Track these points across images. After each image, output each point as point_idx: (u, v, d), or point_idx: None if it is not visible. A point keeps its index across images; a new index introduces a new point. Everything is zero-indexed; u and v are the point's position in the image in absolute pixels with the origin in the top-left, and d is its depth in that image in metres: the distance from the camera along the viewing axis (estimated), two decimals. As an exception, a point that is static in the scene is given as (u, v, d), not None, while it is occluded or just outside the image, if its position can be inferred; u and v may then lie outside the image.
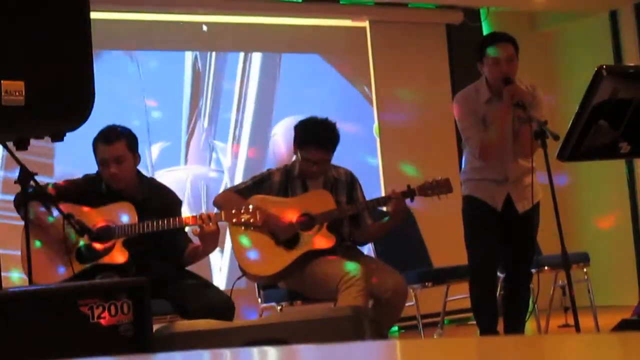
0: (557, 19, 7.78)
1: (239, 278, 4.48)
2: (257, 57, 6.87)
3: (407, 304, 4.49)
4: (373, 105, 7.21)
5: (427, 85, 7.40)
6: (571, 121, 3.64)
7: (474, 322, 6.94)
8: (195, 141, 6.58)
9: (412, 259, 5.50)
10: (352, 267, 4.19)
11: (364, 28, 7.28)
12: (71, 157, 5.79)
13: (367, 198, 4.63)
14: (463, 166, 4.67)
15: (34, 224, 3.94)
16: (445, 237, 6.78)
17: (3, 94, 2.50)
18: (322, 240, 4.40)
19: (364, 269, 4.22)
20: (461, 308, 6.94)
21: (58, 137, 2.79)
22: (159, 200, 4.25)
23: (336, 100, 7.01)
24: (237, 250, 4.45)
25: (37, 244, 3.98)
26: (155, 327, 3.13)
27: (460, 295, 6.31)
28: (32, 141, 2.82)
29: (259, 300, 4.73)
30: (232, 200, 4.42)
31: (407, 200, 4.45)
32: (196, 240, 4.23)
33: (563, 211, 4.00)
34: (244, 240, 4.38)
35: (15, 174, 3.57)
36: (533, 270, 4.67)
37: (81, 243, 4.04)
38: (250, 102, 6.80)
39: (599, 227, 7.48)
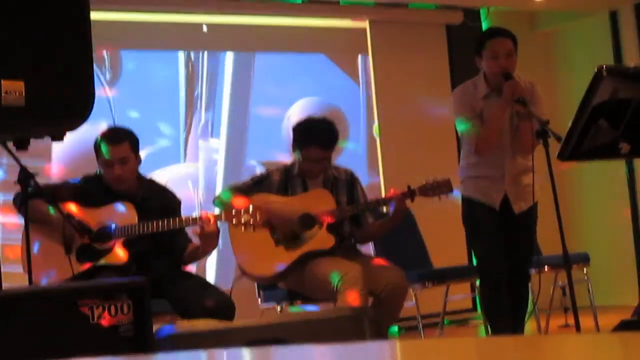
0: (557, 18, 7.78)
1: (239, 277, 4.48)
2: (256, 57, 6.87)
3: (407, 304, 4.49)
4: (373, 105, 7.21)
5: (427, 85, 7.40)
6: (571, 121, 3.64)
7: (474, 323, 6.94)
8: (193, 139, 6.58)
9: (412, 259, 5.50)
10: (335, 278, 4.17)
11: (364, 28, 7.28)
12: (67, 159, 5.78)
13: (367, 197, 4.63)
14: (460, 162, 4.63)
15: (35, 222, 3.94)
16: (445, 237, 6.78)
17: (3, 94, 2.50)
18: (321, 241, 4.40)
19: (364, 269, 4.23)
20: (461, 308, 6.95)
21: (58, 137, 2.79)
22: (158, 201, 4.25)
23: (336, 100, 7.01)
24: (237, 250, 4.45)
25: (36, 251, 3.97)
26: (155, 327, 3.12)
27: (460, 295, 6.32)
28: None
29: (259, 300, 4.73)
30: (233, 199, 4.42)
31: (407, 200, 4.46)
32: (196, 240, 4.24)
33: (563, 211, 3.99)
34: (244, 240, 4.38)
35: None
36: (533, 271, 4.66)
37: (86, 242, 4.05)
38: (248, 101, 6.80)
39: (599, 227, 7.48)
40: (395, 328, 6.44)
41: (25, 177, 3.51)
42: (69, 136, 2.78)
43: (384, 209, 4.79)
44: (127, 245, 4.07)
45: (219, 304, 3.99)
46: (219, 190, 6.05)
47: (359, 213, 4.53)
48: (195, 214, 4.24)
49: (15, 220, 4.58)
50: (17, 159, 3.32)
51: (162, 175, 6.08)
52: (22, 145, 2.82)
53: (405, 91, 7.31)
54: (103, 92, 6.17)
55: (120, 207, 4.14)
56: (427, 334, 5.70)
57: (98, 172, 4.28)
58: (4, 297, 2.73)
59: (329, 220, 4.42)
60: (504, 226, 4.42)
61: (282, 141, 6.49)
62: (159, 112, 6.48)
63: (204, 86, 6.66)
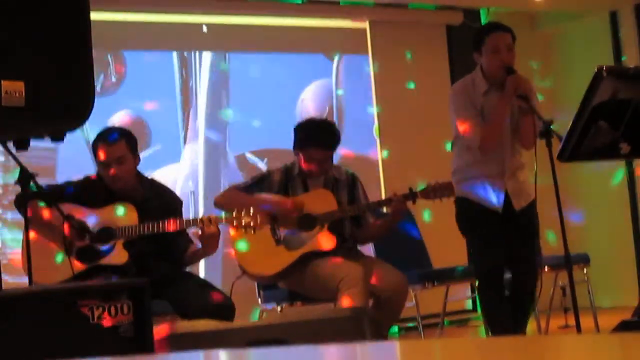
0: (557, 19, 7.78)
1: (238, 277, 4.48)
2: (257, 56, 6.87)
3: (407, 305, 4.48)
4: (373, 106, 7.21)
5: (428, 85, 7.40)
6: (571, 122, 3.64)
7: (474, 323, 6.94)
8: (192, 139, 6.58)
9: (412, 259, 5.50)
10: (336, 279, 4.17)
11: (364, 29, 7.28)
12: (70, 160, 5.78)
13: (367, 198, 4.63)
14: (453, 165, 4.50)
15: (35, 222, 3.94)
16: (445, 238, 6.78)
17: (3, 94, 2.50)
18: (322, 241, 4.40)
19: (364, 269, 4.23)
20: (461, 309, 6.95)
21: (58, 137, 2.79)
22: (159, 201, 4.25)
23: (336, 102, 7.01)
24: (237, 249, 4.45)
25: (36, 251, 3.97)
26: (155, 328, 3.12)
27: (460, 295, 6.32)
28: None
29: (259, 300, 4.73)
30: (234, 197, 4.42)
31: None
32: (196, 241, 4.24)
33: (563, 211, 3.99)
34: (245, 240, 4.38)
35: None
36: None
37: (86, 243, 4.05)
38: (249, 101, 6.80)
39: (599, 227, 7.48)
40: (395, 328, 6.44)
41: (25, 177, 3.51)
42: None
43: (385, 210, 4.79)
44: (127, 246, 4.07)
45: (219, 304, 3.99)
46: (219, 190, 6.04)
47: (359, 213, 4.53)
48: (196, 214, 4.24)
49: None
50: (17, 159, 3.32)
51: (164, 175, 6.08)
52: (22, 145, 2.82)
53: (406, 92, 7.31)
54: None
55: (120, 208, 4.14)
56: (427, 335, 5.70)
57: (98, 173, 4.29)
58: (4, 297, 2.73)
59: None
60: (505, 225, 4.36)
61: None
62: (159, 111, 6.47)
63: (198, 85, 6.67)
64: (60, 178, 5.39)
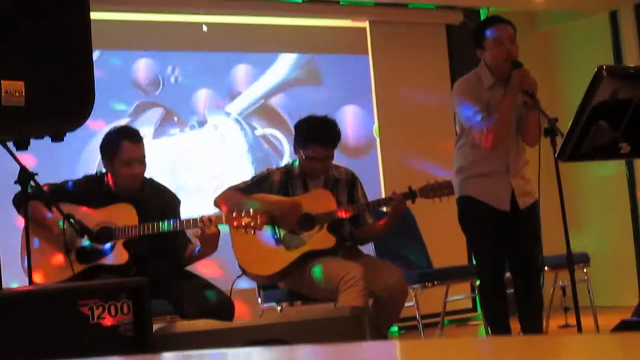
0: (557, 18, 7.78)
1: (238, 277, 4.48)
2: (258, 56, 6.88)
3: (407, 304, 4.48)
4: (373, 106, 7.21)
5: (427, 85, 7.40)
6: (571, 121, 3.64)
7: (474, 323, 6.94)
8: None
9: (412, 259, 5.50)
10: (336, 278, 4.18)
11: (364, 28, 7.28)
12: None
13: (367, 197, 4.63)
14: (457, 164, 4.46)
15: (35, 222, 3.94)
16: (445, 237, 6.78)
17: (3, 94, 2.50)
18: (322, 241, 4.40)
19: (364, 269, 4.23)
20: (461, 308, 6.95)
21: (58, 137, 2.79)
22: (158, 201, 4.26)
23: (336, 100, 7.01)
24: (237, 249, 4.45)
25: (36, 251, 3.97)
26: (155, 327, 3.13)
27: (460, 295, 6.32)
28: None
29: (259, 300, 4.73)
30: (234, 197, 4.42)
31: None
32: (195, 242, 4.24)
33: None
34: (245, 240, 4.37)
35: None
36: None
37: (86, 242, 4.05)
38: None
39: (599, 227, 7.48)
40: (395, 328, 6.44)
41: (25, 177, 3.50)
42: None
43: (385, 209, 4.79)
44: (127, 246, 4.07)
45: (218, 304, 3.99)
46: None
47: (359, 213, 4.53)
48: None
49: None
50: (17, 159, 3.32)
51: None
52: (22, 145, 2.82)
53: (405, 91, 7.31)
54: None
55: (120, 208, 4.14)
56: (427, 334, 5.70)
57: (98, 172, 4.28)
58: (4, 297, 2.73)
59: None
60: (510, 224, 4.33)
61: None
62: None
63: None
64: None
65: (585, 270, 5.54)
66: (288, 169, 4.58)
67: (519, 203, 4.34)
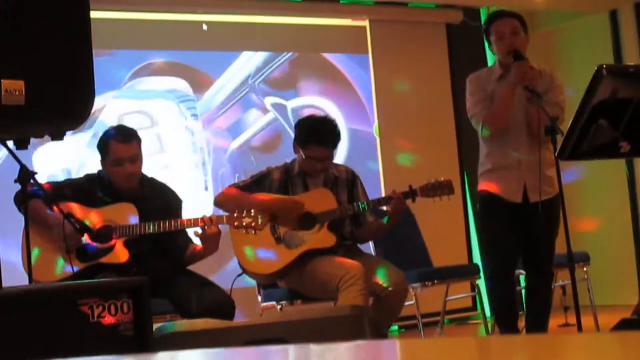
0: (557, 18, 7.78)
1: (238, 275, 4.48)
2: (260, 55, 6.88)
3: (407, 303, 4.48)
4: (373, 105, 7.21)
5: (427, 84, 7.40)
6: (571, 120, 3.64)
7: (474, 322, 6.93)
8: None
9: (412, 258, 5.50)
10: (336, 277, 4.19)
11: (363, 27, 7.28)
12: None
13: (367, 196, 4.63)
14: (480, 159, 4.51)
15: (36, 221, 3.94)
16: (445, 237, 6.78)
17: (3, 93, 2.50)
18: (322, 239, 4.40)
19: (364, 268, 4.23)
20: (461, 307, 6.95)
21: (58, 136, 2.79)
22: (159, 200, 4.26)
23: (336, 100, 7.01)
24: (237, 248, 4.45)
25: (36, 250, 3.96)
26: (155, 326, 3.13)
27: (460, 294, 6.32)
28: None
29: (259, 299, 4.73)
30: (234, 196, 4.42)
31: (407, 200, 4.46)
32: (196, 241, 4.24)
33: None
34: (245, 238, 4.37)
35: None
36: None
37: (86, 241, 4.05)
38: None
39: (599, 226, 7.48)
40: (395, 327, 6.44)
41: (25, 176, 3.51)
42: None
43: (385, 208, 4.79)
44: (127, 245, 4.07)
45: (219, 303, 3.99)
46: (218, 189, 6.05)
47: (359, 212, 4.53)
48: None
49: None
50: (17, 158, 3.32)
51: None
52: (22, 144, 2.82)
53: (405, 90, 7.31)
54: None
55: (121, 207, 4.14)
56: (427, 333, 5.70)
57: (99, 172, 4.29)
58: (4, 296, 2.73)
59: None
60: (522, 219, 4.32)
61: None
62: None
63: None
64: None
65: (585, 269, 5.55)
66: (288, 167, 4.58)
67: (530, 198, 4.32)
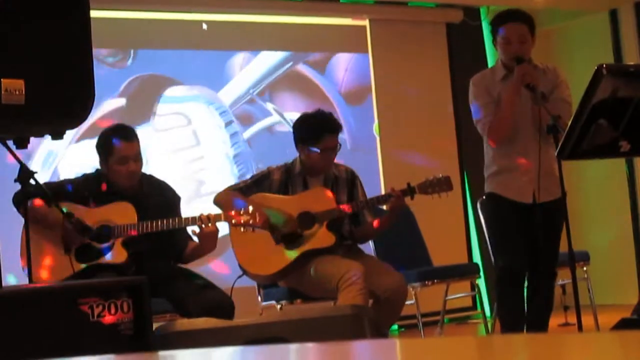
0: (557, 17, 7.78)
1: (239, 277, 4.48)
2: (262, 55, 6.88)
3: (407, 303, 4.48)
4: (373, 104, 7.21)
5: (427, 83, 7.40)
6: (571, 120, 3.64)
7: (474, 321, 6.93)
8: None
9: (412, 257, 5.50)
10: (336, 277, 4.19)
11: (364, 27, 7.28)
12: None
13: (367, 196, 4.63)
14: (485, 161, 4.45)
15: (35, 220, 3.94)
16: (445, 236, 6.78)
17: (3, 92, 2.50)
18: (322, 239, 4.39)
19: (364, 267, 4.22)
20: (461, 307, 6.95)
21: (58, 136, 2.80)
22: (158, 198, 4.26)
23: (336, 99, 7.01)
24: (237, 249, 4.45)
25: (36, 250, 3.96)
26: (155, 325, 3.13)
27: (460, 294, 6.32)
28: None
29: (259, 298, 4.73)
30: (232, 198, 4.42)
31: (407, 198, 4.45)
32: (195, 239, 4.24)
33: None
34: (244, 240, 4.37)
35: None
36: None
37: (85, 241, 4.05)
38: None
39: (599, 225, 7.48)
40: (394, 326, 6.44)
41: (24, 175, 3.50)
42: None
43: (384, 207, 4.78)
44: (126, 244, 4.07)
45: (218, 302, 3.99)
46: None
47: (358, 211, 4.53)
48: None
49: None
50: (17, 157, 3.32)
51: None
52: (22, 143, 2.82)
53: (405, 90, 7.31)
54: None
55: (119, 206, 4.14)
56: (427, 333, 5.70)
57: (97, 171, 4.28)
58: (4, 296, 2.73)
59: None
60: (530, 219, 4.30)
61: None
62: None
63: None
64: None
65: (585, 268, 5.54)
66: (288, 167, 4.58)
67: (537, 199, 4.29)
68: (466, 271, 5.52)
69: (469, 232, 7.38)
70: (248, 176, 4.82)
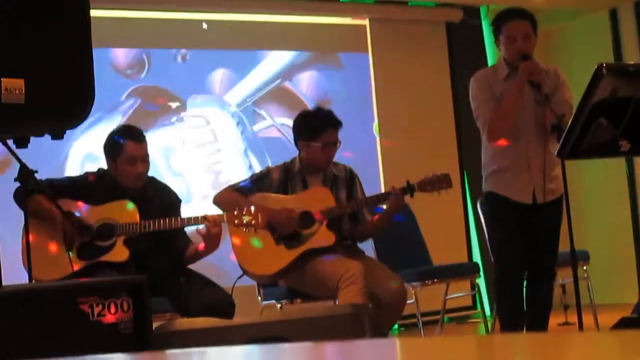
0: (557, 16, 7.77)
1: (239, 277, 4.48)
2: (257, 54, 6.88)
3: (407, 302, 4.48)
4: (373, 103, 7.21)
5: (427, 83, 7.40)
6: (571, 119, 3.64)
7: (474, 320, 6.93)
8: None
9: (412, 257, 5.50)
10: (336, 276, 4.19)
11: (364, 26, 7.28)
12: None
13: (365, 195, 4.63)
14: (483, 160, 4.44)
15: (37, 217, 3.94)
16: (445, 235, 6.78)
17: (3, 91, 2.50)
18: (322, 238, 4.39)
19: (364, 267, 4.22)
20: (461, 306, 6.95)
21: (58, 135, 2.80)
22: (160, 199, 4.26)
23: (336, 99, 7.01)
24: (237, 249, 4.45)
25: (36, 248, 3.96)
26: (155, 325, 3.13)
27: (460, 293, 6.32)
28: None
29: (259, 298, 4.73)
30: (232, 198, 4.42)
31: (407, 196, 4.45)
32: (195, 239, 4.24)
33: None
34: (244, 239, 4.37)
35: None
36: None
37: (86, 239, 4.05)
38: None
39: (599, 224, 7.48)
40: (395, 326, 6.44)
41: (25, 174, 3.50)
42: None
43: (384, 207, 4.78)
44: (128, 243, 4.07)
45: (219, 301, 3.99)
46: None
47: (357, 210, 4.53)
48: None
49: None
50: (16, 156, 3.32)
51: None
52: (22, 143, 2.82)
53: (405, 89, 7.31)
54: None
55: (122, 205, 4.14)
56: (427, 332, 5.70)
57: (100, 170, 4.28)
58: (4, 295, 2.73)
59: (323, 219, 4.39)
60: (530, 218, 4.29)
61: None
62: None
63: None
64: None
65: (585, 268, 5.54)
66: (287, 166, 4.58)
67: (537, 199, 4.29)
68: (466, 270, 5.52)
69: (469, 231, 7.38)
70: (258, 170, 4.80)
